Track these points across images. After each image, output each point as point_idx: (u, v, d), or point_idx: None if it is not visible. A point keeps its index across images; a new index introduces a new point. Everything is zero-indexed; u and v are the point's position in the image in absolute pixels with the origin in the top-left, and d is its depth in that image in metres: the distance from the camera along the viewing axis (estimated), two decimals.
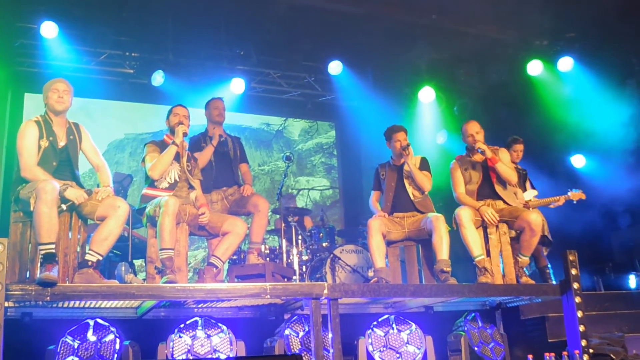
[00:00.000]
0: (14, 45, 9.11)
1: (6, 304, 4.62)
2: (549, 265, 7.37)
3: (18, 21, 8.90)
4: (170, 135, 6.07)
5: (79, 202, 5.07)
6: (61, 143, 5.26)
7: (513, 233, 6.61)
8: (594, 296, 7.08)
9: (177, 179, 5.95)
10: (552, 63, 9.92)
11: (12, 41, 9.06)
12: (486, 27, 9.50)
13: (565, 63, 9.82)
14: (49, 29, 8.63)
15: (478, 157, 6.61)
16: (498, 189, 6.47)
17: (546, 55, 9.95)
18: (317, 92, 10.98)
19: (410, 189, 6.49)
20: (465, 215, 6.17)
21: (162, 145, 6.02)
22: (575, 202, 7.54)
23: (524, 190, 7.46)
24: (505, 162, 6.52)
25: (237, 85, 9.99)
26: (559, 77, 9.97)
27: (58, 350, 5.19)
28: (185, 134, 6.03)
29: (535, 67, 10.02)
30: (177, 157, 6.01)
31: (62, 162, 5.24)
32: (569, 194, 7.50)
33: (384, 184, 6.64)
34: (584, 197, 7.53)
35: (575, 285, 5.95)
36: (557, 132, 9.56)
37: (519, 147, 7.61)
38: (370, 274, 7.64)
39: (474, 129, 6.61)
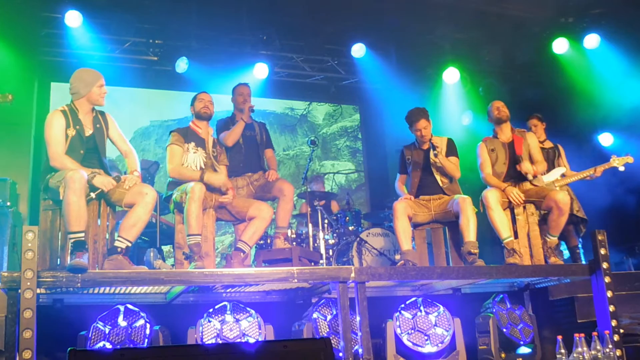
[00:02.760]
0: (40, 35, 9.20)
1: (38, 291, 4.70)
2: (580, 246, 7.29)
3: (43, 11, 8.97)
4: (196, 122, 6.13)
5: (107, 190, 5.12)
6: (88, 132, 5.30)
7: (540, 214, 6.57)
8: (624, 276, 7.00)
9: (203, 167, 5.99)
10: (578, 41, 9.77)
11: (38, 31, 9.15)
12: (510, 5, 9.37)
13: (592, 40, 9.66)
14: (73, 18, 8.69)
15: (504, 138, 6.58)
16: (520, 168, 6.42)
17: (572, 32, 9.80)
18: (341, 76, 10.94)
19: (437, 175, 6.45)
20: (492, 197, 6.14)
21: (186, 133, 6.05)
22: (622, 168, 7.16)
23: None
24: (533, 146, 6.48)
25: (260, 70, 9.99)
26: (586, 54, 9.82)
27: (89, 335, 5.27)
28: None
29: (561, 45, 9.87)
30: (203, 144, 6.04)
31: (89, 150, 5.29)
32: (611, 160, 7.18)
33: (410, 167, 6.61)
34: (631, 160, 7.16)
35: (605, 265, 5.90)
36: (584, 111, 9.44)
37: (532, 122, 7.57)
38: (397, 257, 7.64)
39: (497, 104, 6.68)
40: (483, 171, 6.56)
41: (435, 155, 6.35)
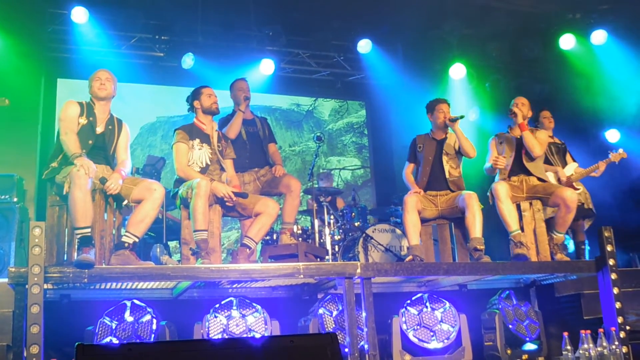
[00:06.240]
0: (46, 31, 9.20)
1: (45, 286, 4.73)
2: (586, 242, 7.28)
3: (49, 7, 9.00)
4: (200, 118, 6.09)
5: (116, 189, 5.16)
6: (99, 129, 5.37)
7: (549, 213, 6.57)
8: (630, 272, 6.99)
9: (209, 162, 5.96)
10: (585, 37, 9.73)
11: (45, 27, 9.15)
12: (517, 1, 9.35)
13: (599, 36, 9.61)
14: (79, 14, 8.72)
15: (516, 133, 6.56)
16: (526, 161, 6.41)
17: (579, 28, 9.77)
18: (347, 71, 10.92)
19: (447, 167, 6.44)
20: (502, 189, 6.14)
21: (190, 130, 6.01)
22: (617, 163, 7.38)
23: (565, 165, 7.36)
24: (540, 139, 6.47)
25: (266, 66, 9.98)
26: (593, 50, 9.79)
27: (96, 330, 5.30)
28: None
29: (567, 41, 9.84)
30: (208, 140, 6.02)
31: (98, 146, 5.33)
32: (610, 156, 7.34)
33: (421, 156, 6.58)
34: (625, 155, 7.35)
35: (611, 262, 5.90)
36: (590, 107, 9.41)
37: (545, 114, 7.57)
38: (404, 252, 7.64)
39: (517, 100, 6.70)
40: (488, 162, 6.58)
41: (454, 121, 6.36)
